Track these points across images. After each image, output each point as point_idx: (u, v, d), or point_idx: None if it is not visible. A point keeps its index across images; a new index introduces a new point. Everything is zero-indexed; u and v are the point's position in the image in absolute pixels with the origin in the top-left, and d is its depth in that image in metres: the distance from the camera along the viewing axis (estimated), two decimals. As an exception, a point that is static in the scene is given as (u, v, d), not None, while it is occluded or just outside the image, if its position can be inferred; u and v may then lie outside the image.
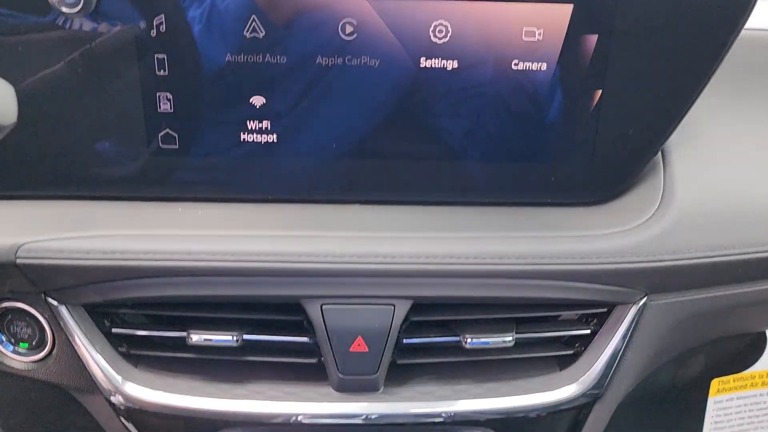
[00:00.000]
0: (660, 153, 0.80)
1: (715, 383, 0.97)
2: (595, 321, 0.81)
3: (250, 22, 0.68)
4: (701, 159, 0.81)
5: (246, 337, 0.76)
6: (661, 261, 0.74)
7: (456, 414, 0.78)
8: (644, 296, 0.78)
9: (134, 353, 0.79)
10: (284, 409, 0.76)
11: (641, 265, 0.74)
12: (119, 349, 0.78)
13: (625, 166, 0.77)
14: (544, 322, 0.83)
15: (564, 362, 0.82)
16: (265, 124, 0.73)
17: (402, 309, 0.74)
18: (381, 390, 0.77)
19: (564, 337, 0.84)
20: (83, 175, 0.74)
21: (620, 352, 0.80)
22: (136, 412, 0.78)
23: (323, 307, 0.74)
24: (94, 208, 0.76)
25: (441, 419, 0.78)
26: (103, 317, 0.78)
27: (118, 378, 0.76)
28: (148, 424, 0.80)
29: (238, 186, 0.76)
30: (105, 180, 0.75)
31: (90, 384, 0.78)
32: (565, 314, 0.84)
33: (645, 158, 0.77)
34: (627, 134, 0.74)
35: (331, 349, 0.74)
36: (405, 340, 0.77)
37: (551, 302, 0.77)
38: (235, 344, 0.75)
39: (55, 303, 0.74)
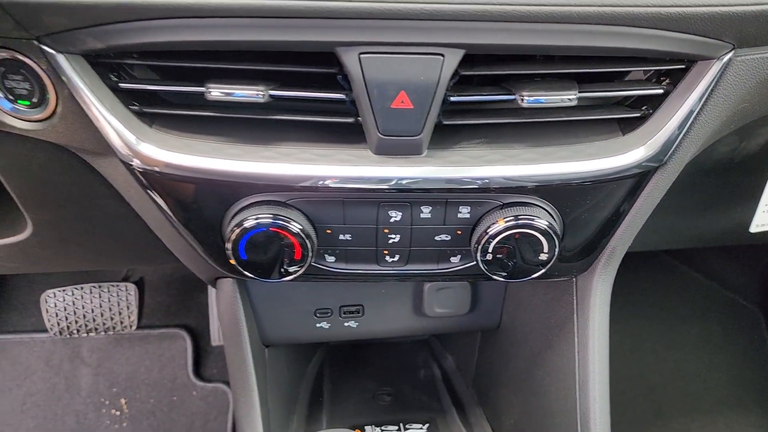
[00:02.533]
0: None
1: (783, 155, 0.89)
2: (667, 80, 0.71)
3: None
4: None
5: (273, 92, 0.67)
6: (763, 4, 0.63)
7: (501, 179, 0.71)
8: (731, 50, 0.67)
9: (148, 111, 0.70)
10: (317, 172, 0.69)
11: (738, 8, 0.62)
12: (130, 107, 0.69)
13: None
14: (607, 81, 0.73)
15: (627, 126, 0.74)
16: None
17: (452, 60, 0.64)
18: (425, 153, 0.70)
19: (629, 99, 0.75)
20: None
21: (694, 115, 0.71)
22: (154, 176, 0.71)
23: (361, 56, 0.63)
24: None
25: (488, 184, 0.70)
26: (109, 70, 0.68)
27: (132, 137, 0.68)
28: (169, 189, 0.73)
29: None
30: None
31: (102, 145, 0.70)
32: (632, 72, 0.74)
33: None
34: None
35: (371, 105, 0.65)
36: (452, 98, 0.68)
37: (624, 54, 0.67)
38: (261, 100, 0.66)
39: (51, 51, 0.64)
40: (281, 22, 0.61)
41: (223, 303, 0.95)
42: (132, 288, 1.64)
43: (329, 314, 1.04)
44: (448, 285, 1.04)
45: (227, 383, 1.73)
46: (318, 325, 1.04)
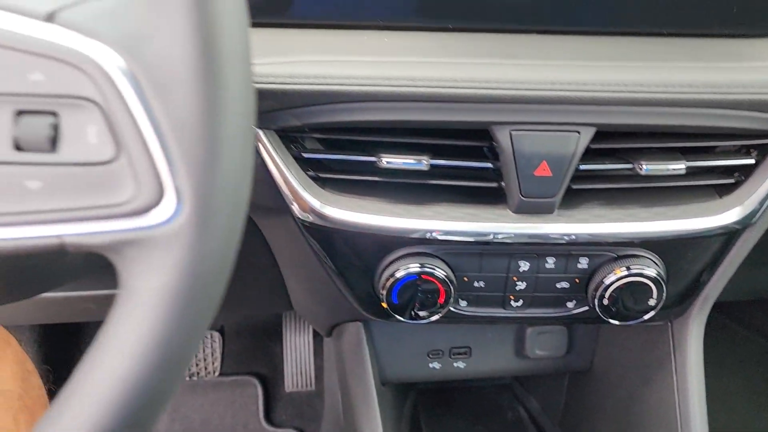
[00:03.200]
0: None
1: None
2: (756, 152, 0.85)
3: None
4: None
5: (433, 161, 0.80)
6: None
7: (621, 235, 0.83)
8: None
9: (323, 177, 0.83)
10: (467, 228, 0.82)
11: None
12: (307, 173, 0.82)
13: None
14: (706, 152, 0.86)
15: (723, 191, 0.86)
16: None
17: (586, 136, 0.77)
18: (555, 213, 0.82)
19: (721, 167, 0.88)
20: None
21: None
22: (328, 233, 0.83)
23: (512, 132, 0.77)
24: (286, 36, 0.78)
25: (608, 239, 0.83)
26: (291, 142, 0.81)
27: (317, 201, 0.80)
28: (337, 244, 0.85)
29: (416, 14, 0.79)
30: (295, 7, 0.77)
31: (278, 205, 0.83)
32: (725, 145, 0.87)
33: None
34: None
35: (516, 172, 0.78)
36: (581, 166, 0.81)
37: (725, 132, 0.80)
38: (423, 168, 0.80)
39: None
40: (449, 105, 0.75)
41: (347, 345, 1.06)
42: (217, 336, 1.75)
43: (440, 355, 1.15)
44: (548, 329, 1.15)
45: (297, 428, 1.82)
46: (431, 365, 1.15)
